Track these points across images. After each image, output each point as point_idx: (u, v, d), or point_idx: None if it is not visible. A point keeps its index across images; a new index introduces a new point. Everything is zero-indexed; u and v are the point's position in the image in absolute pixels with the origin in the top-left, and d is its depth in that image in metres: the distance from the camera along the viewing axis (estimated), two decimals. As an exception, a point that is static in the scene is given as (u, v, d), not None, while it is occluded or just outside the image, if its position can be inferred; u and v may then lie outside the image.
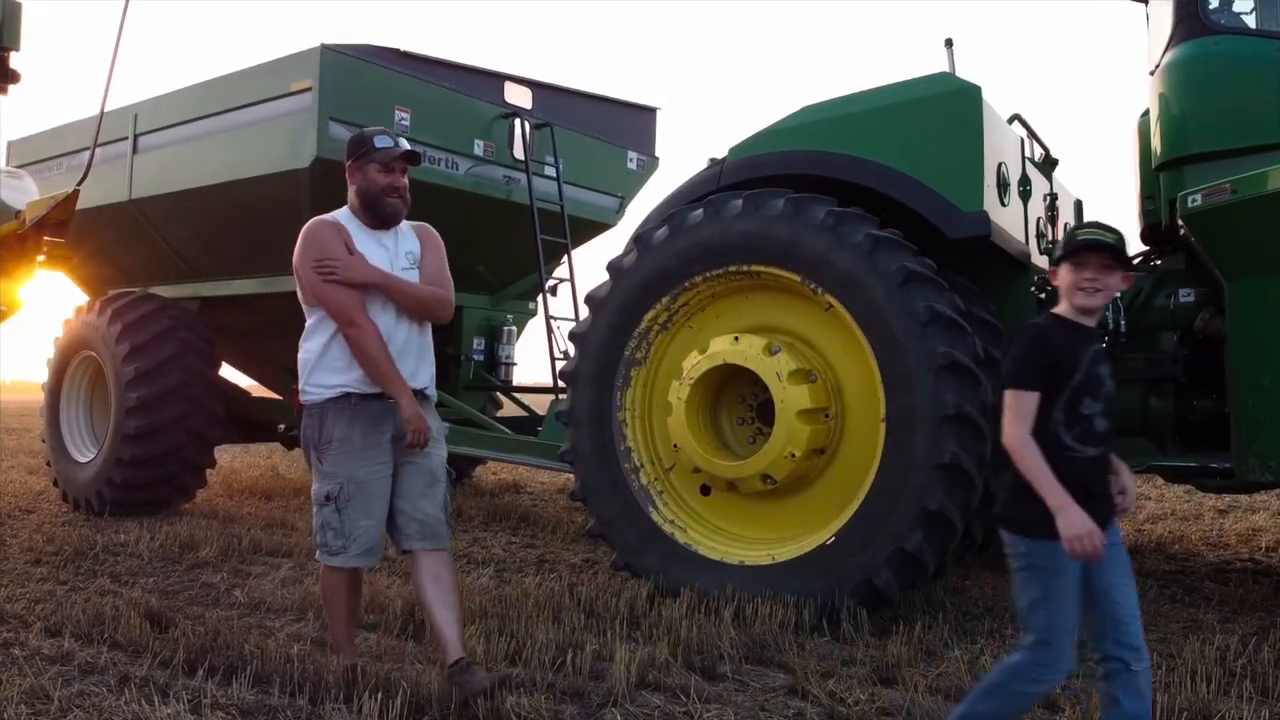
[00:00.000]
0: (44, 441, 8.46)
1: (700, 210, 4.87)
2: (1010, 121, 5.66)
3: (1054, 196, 6.18)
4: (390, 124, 6.95)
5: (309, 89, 6.63)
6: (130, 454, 7.41)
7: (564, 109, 8.35)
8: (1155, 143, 4.97)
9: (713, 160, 5.42)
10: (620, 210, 8.86)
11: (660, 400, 5.07)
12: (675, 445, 4.87)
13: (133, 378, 7.45)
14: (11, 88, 4.91)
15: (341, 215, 3.50)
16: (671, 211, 5.18)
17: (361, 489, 3.34)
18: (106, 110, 8.67)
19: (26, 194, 5.40)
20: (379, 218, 3.46)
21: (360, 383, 3.35)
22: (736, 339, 4.70)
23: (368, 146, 3.43)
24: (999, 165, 4.93)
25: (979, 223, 4.60)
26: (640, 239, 5.06)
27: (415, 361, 3.47)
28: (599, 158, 8.58)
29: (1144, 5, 5.84)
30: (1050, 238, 6.10)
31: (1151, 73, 5.03)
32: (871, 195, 4.80)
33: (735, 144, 5.24)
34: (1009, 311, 5.28)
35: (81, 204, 8.63)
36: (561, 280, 7.81)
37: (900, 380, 4.33)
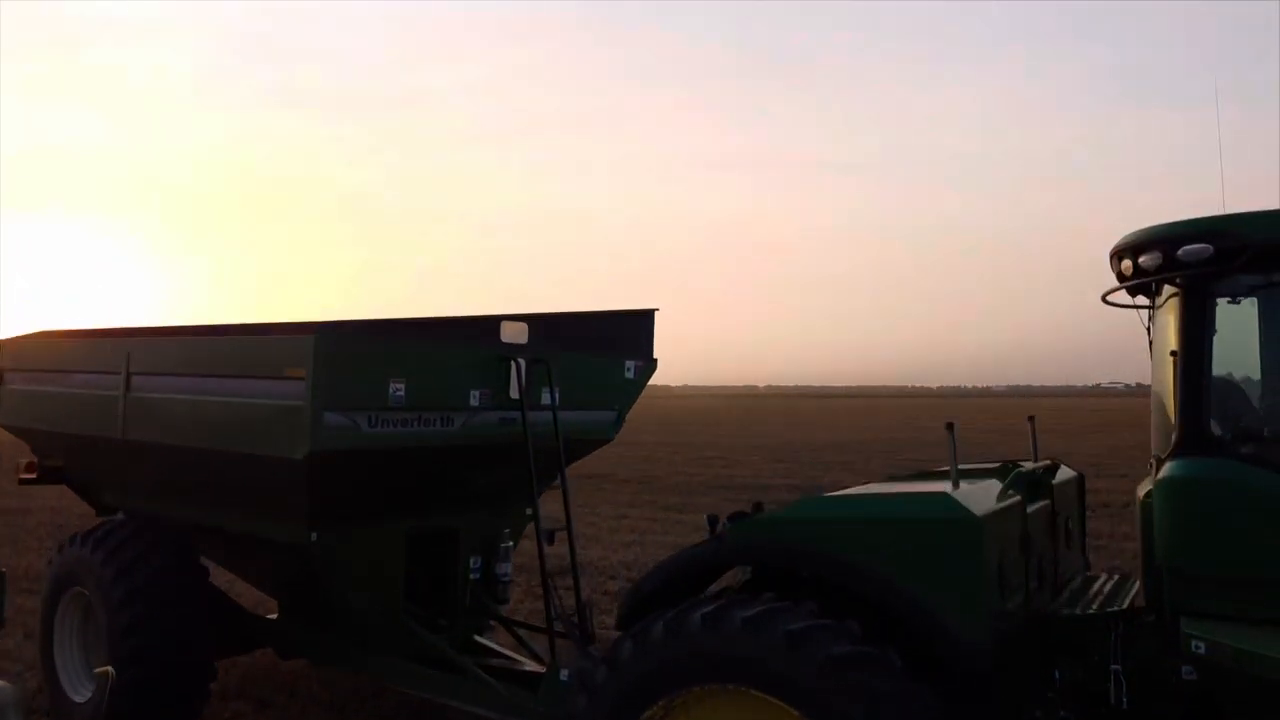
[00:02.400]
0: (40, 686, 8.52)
1: (699, 616, 4.82)
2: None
3: (1054, 515, 6.13)
4: (385, 399, 6.89)
5: (302, 378, 6.56)
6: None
7: (562, 330, 8.27)
8: (1156, 539, 4.93)
9: (711, 520, 5.39)
10: (618, 423, 8.79)
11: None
12: None
13: (125, 626, 7.48)
14: None
15: None
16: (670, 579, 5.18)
17: None
18: (99, 328, 8.63)
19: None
20: None
21: None
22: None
23: None
24: (999, 566, 4.90)
25: (979, 654, 4.59)
26: (638, 635, 5.00)
27: None
28: (597, 374, 8.49)
29: (1147, 312, 5.77)
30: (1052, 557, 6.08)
31: (1152, 466, 4.98)
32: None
33: (736, 523, 5.20)
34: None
35: (76, 429, 8.64)
36: (559, 529, 7.74)
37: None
